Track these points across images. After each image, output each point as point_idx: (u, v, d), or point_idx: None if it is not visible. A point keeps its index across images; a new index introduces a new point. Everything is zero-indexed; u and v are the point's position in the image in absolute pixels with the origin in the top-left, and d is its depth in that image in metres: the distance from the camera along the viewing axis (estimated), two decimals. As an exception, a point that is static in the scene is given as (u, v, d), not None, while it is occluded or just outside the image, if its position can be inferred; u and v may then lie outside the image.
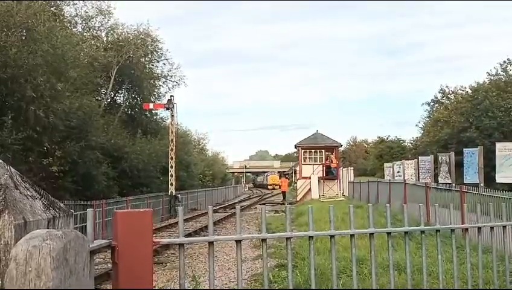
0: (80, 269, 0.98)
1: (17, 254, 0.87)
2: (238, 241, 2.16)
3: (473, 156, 19.27)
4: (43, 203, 1.20)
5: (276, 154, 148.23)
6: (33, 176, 16.45)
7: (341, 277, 6.91)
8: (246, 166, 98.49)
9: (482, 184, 17.26)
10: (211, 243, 2.09)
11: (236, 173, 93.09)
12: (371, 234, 2.48)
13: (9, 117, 15.42)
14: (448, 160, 21.08)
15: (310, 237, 2.31)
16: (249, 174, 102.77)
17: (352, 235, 2.42)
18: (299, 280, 7.62)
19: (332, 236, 2.35)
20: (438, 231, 2.79)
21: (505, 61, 38.35)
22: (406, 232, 2.64)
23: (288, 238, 2.23)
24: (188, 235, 15.27)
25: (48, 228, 1.12)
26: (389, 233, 2.57)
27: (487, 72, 39.48)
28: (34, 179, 16.20)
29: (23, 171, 16.62)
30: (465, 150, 20.23)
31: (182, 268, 1.87)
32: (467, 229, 3.06)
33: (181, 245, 1.88)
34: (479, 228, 3.15)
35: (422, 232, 2.73)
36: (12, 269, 0.86)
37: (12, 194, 1.10)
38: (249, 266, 10.39)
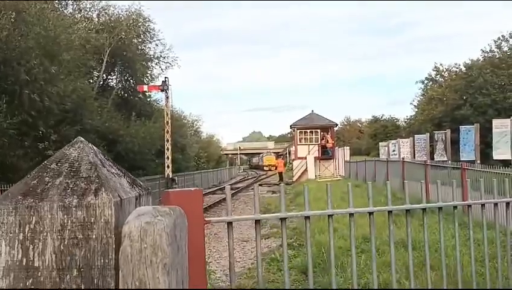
0: (183, 246, 0.96)
1: (131, 231, 0.84)
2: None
3: (469, 134, 19.43)
4: (127, 181, 1.17)
5: (270, 136, 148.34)
6: (30, 160, 16.33)
7: (349, 254, 6.96)
8: (240, 148, 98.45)
9: (478, 161, 17.42)
10: (229, 223, 2.00)
11: (230, 155, 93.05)
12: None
13: (4, 101, 15.22)
14: (444, 138, 21.22)
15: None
16: (242, 155, 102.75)
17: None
18: (304, 259, 7.64)
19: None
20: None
21: (499, 38, 38.36)
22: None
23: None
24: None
25: (135, 206, 1.09)
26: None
27: (481, 49, 39.51)
28: (30, 163, 16.08)
29: (20, 155, 16.53)
30: (461, 127, 20.36)
31: (231, 246, 1.85)
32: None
33: (229, 223, 1.87)
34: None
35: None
36: (126, 247, 0.84)
37: (103, 171, 1.06)
38: (252, 246, 10.43)
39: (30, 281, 1.00)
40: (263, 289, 2.16)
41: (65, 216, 1.00)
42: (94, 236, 1.00)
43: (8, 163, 15.13)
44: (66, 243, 1.00)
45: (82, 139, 1.14)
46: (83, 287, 1.00)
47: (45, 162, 1.10)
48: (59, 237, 1.00)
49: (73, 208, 1.00)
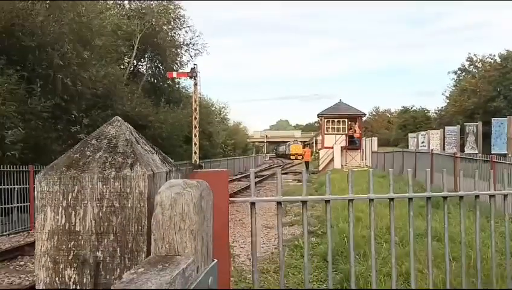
0: (209, 216, 1.06)
1: (162, 200, 0.94)
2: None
3: (501, 126, 18.93)
4: (159, 158, 1.28)
5: (297, 124, 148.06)
6: (62, 143, 16.85)
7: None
8: (266, 136, 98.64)
9: (510, 155, 16.99)
10: (252, 203, 2.10)
11: (256, 143, 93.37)
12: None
13: (38, 85, 15.67)
14: (475, 130, 20.76)
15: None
16: (268, 143, 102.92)
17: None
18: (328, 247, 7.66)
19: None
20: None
21: (537, 28, 36.98)
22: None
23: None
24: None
25: (166, 180, 1.20)
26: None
27: (518, 40, 38.22)
28: (63, 146, 16.60)
29: (53, 138, 17.07)
30: (493, 119, 19.86)
31: (253, 225, 1.94)
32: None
33: (252, 204, 1.96)
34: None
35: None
36: (158, 214, 0.94)
37: (138, 148, 1.17)
38: (275, 233, 10.55)
39: (72, 243, 1.12)
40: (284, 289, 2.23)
41: (104, 186, 1.12)
42: (129, 205, 1.11)
43: (42, 145, 15.64)
44: (104, 210, 1.12)
45: (119, 118, 1.25)
46: (118, 250, 1.11)
47: (86, 138, 1.21)
48: (98, 205, 1.12)
49: (112, 180, 1.11)
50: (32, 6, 16.34)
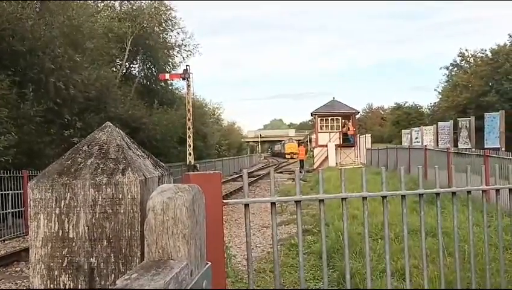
0: (201, 220, 1.06)
1: (155, 205, 0.94)
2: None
3: (494, 120, 19.07)
4: (151, 163, 1.28)
5: (291, 123, 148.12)
6: (56, 147, 16.77)
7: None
8: (260, 135, 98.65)
9: (503, 149, 17.12)
10: (246, 205, 2.12)
11: (251, 143, 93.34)
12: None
13: (30, 90, 15.58)
14: (468, 125, 20.88)
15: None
16: (263, 143, 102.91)
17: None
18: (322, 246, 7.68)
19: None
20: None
21: (527, 23, 37.27)
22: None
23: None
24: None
25: (158, 185, 1.20)
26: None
27: (509, 34, 38.44)
28: (56, 150, 16.52)
29: (47, 142, 16.97)
30: (486, 114, 20.00)
31: (248, 226, 1.95)
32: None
33: (246, 205, 1.96)
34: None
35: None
36: (150, 219, 0.95)
37: (129, 153, 1.18)
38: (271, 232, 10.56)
39: (66, 250, 1.13)
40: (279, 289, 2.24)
41: (96, 193, 1.12)
42: (122, 211, 1.12)
43: (35, 150, 15.56)
44: (97, 216, 1.12)
45: (110, 124, 1.25)
46: (112, 256, 1.12)
47: (77, 144, 1.22)
48: (91, 211, 1.12)
49: (104, 186, 1.12)
50: (22, 10, 16.23)
